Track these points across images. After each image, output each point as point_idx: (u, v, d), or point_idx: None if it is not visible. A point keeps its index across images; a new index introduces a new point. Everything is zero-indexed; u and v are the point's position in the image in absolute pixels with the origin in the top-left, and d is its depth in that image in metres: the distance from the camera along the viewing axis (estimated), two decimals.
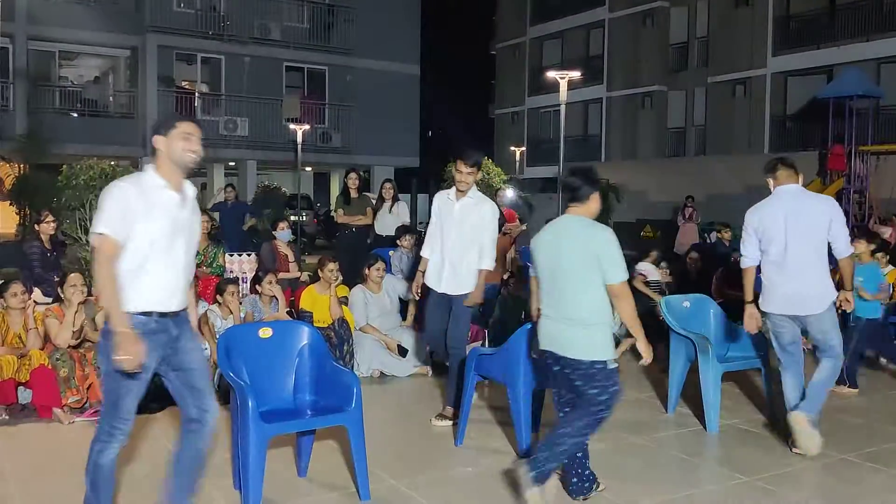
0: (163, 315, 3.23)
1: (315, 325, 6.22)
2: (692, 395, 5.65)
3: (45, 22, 19.96)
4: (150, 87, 21.37)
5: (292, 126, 21.37)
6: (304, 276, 8.52)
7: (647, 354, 3.82)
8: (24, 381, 5.33)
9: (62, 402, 5.30)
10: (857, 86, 17.47)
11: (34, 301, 5.98)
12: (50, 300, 6.48)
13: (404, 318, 7.35)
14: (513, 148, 32.30)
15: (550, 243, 3.92)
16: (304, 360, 4.25)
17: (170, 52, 21.84)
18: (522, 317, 7.36)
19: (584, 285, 3.76)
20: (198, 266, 7.17)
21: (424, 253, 5.56)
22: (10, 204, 16.37)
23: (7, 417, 5.28)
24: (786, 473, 4.51)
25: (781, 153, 7.93)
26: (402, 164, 24.96)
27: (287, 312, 6.95)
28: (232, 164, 23.52)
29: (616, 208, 19.50)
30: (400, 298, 7.37)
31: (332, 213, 11.23)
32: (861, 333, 6.49)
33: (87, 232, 9.11)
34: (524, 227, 10.95)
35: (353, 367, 6.52)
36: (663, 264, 8.97)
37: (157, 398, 4.91)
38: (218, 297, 6.51)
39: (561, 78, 15.18)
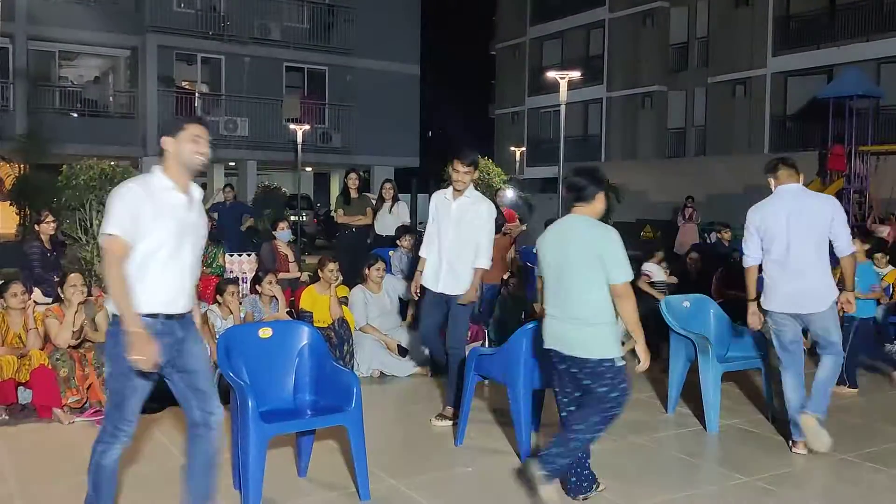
0: (169, 317, 3.23)
1: (315, 325, 6.22)
2: (692, 395, 5.65)
3: (45, 22, 19.95)
4: (150, 87, 21.36)
5: (292, 126, 21.36)
6: (304, 277, 8.52)
7: (644, 359, 3.81)
8: (24, 381, 5.32)
9: (62, 403, 5.30)
10: (857, 86, 17.49)
11: (34, 301, 5.98)
12: (50, 300, 6.48)
13: (404, 318, 7.36)
14: (513, 148, 32.28)
15: (555, 243, 3.92)
16: (304, 360, 4.25)
17: (170, 52, 21.82)
18: (522, 317, 7.37)
19: (590, 285, 3.76)
20: None
21: (423, 253, 5.56)
22: (10, 204, 16.38)
23: (7, 417, 5.28)
24: (786, 473, 4.51)
25: (781, 153, 7.92)
26: (402, 165, 24.94)
27: (287, 312, 6.95)
28: (232, 164, 23.50)
29: (616, 208, 19.48)
30: (400, 298, 7.37)
31: (332, 214, 11.23)
32: (855, 333, 6.49)
33: (87, 232, 9.12)
34: (524, 228, 10.93)
35: (352, 367, 6.52)
36: (663, 264, 8.95)
37: (156, 398, 4.88)
38: (218, 297, 6.52)
39: (561, 78, 15.16)
